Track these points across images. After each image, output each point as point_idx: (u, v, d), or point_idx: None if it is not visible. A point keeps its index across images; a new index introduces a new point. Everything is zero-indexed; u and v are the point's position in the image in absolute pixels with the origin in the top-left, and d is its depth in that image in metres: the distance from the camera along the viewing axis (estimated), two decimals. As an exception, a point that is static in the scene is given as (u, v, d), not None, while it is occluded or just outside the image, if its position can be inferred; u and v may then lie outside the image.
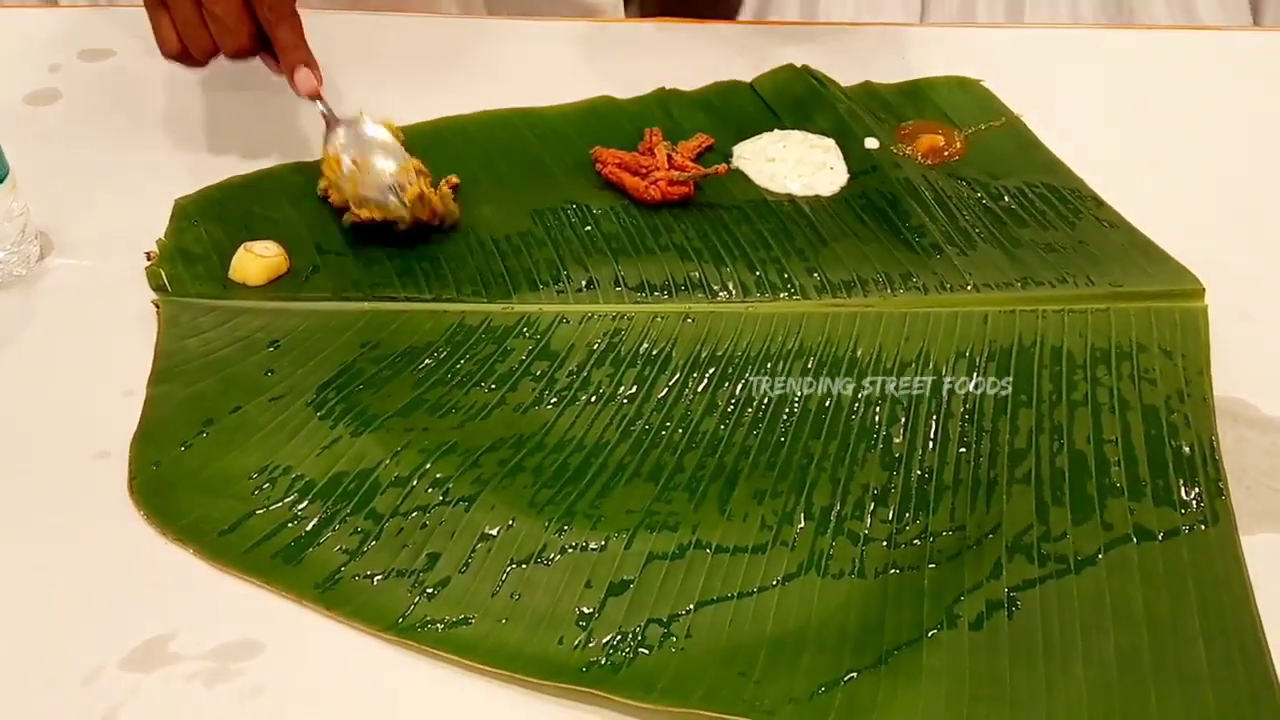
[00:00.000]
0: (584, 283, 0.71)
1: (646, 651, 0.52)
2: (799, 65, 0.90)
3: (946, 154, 0.82)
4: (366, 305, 0.69)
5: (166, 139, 0.83)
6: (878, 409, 0.63)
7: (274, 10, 0.72)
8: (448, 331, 0.68)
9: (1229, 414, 0.64)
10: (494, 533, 0.57)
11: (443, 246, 0.73)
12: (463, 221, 0.75)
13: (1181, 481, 0.59)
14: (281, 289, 0.70)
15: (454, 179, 0.77)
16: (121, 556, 0.56)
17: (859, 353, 0.67)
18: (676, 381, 0.65)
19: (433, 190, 0.73)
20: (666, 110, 0.86)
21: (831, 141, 0.82)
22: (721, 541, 0.57)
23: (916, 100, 0.87)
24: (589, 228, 0.75)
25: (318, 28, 0.95)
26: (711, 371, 0.66)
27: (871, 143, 0.82)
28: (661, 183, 0.76)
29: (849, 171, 0.80)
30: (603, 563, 0.56)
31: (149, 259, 0.71)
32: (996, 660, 0.52)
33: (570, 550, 0.56)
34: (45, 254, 0.73)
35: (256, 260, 0.70)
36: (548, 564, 0.56)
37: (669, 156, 0.78)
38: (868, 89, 0.88)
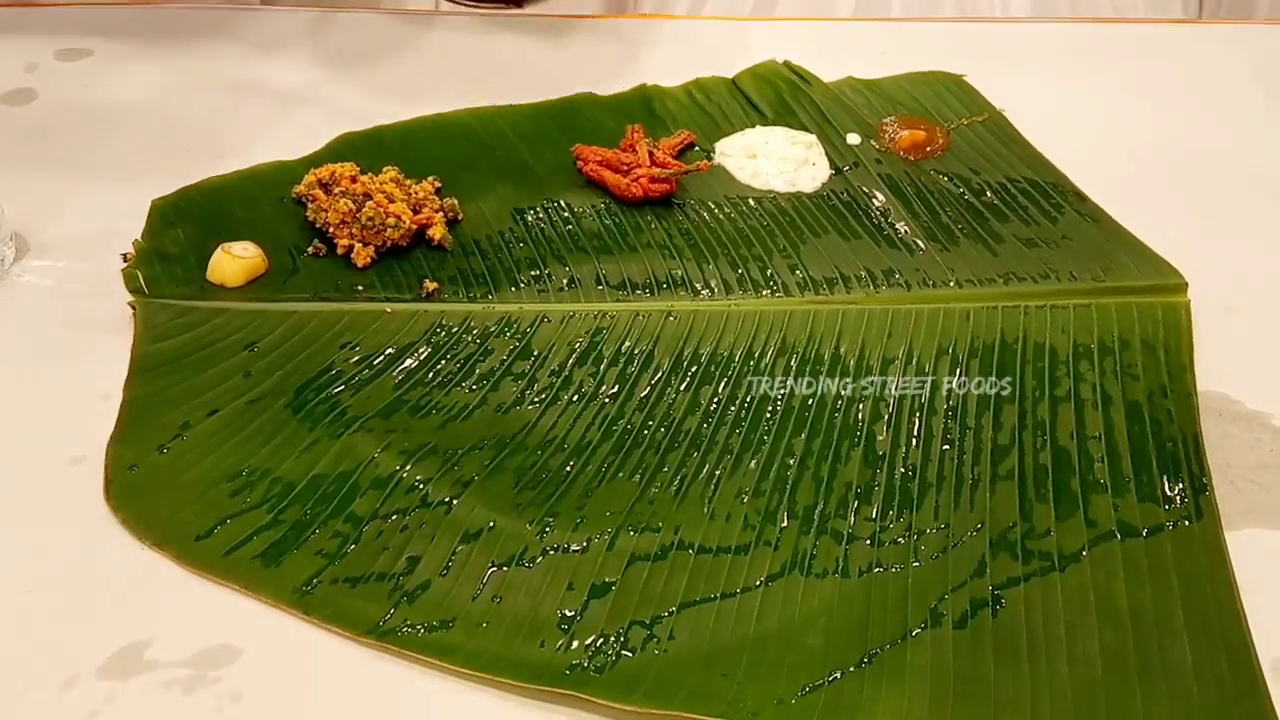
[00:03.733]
0: (565, 281, 0.71)
1: (629, 654, 0.52)
2: (780, 61, 0.89)
3: (929, 149, 0.82)
4: (346, 306, 0.69)
5: (143, 140, 0.82)
6: (861, 406, 0.63)
7: None
8: (428, 332, 0.67)
9: (1213, 409, 0.64)
10: (475, 535, 0.57)
11: (423, 246, 0.73)
12: (450, 237, 0.74)
13: (1165, 477, 0.59)
14: (260, 290, 0.70)
15: (436, 181, 0.76)
16: (97, 562, 0.56)
17: (842, 350, 0.66)
18: (659, 380, 0.65)
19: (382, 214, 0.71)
20: (648, 107, 0.85)
21: (813, 137, 0.82)
22: (704, 542, 0.57)
23: (898, 95, 0.87)
24: (570, 226, 0.74)
25: (293, 26, 0.95)
26: (694, 370, 0.65)
27: (854, 138, 0.82)
28: (643, 180, 0.76)
29: (831, 167, 0.80)
30: (585, 564, 0.56)
31: (125, 260, 0.70)
32: (981, 659, 0.52)
33: (552, 552, 0.56)
34: (21, 255, 0.72)
35: (234, 261, 0.70)
36: (529, 566, 0.55)
37: (650, 153, 0.78)
38: (850, 84, 0.88)
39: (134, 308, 0.68)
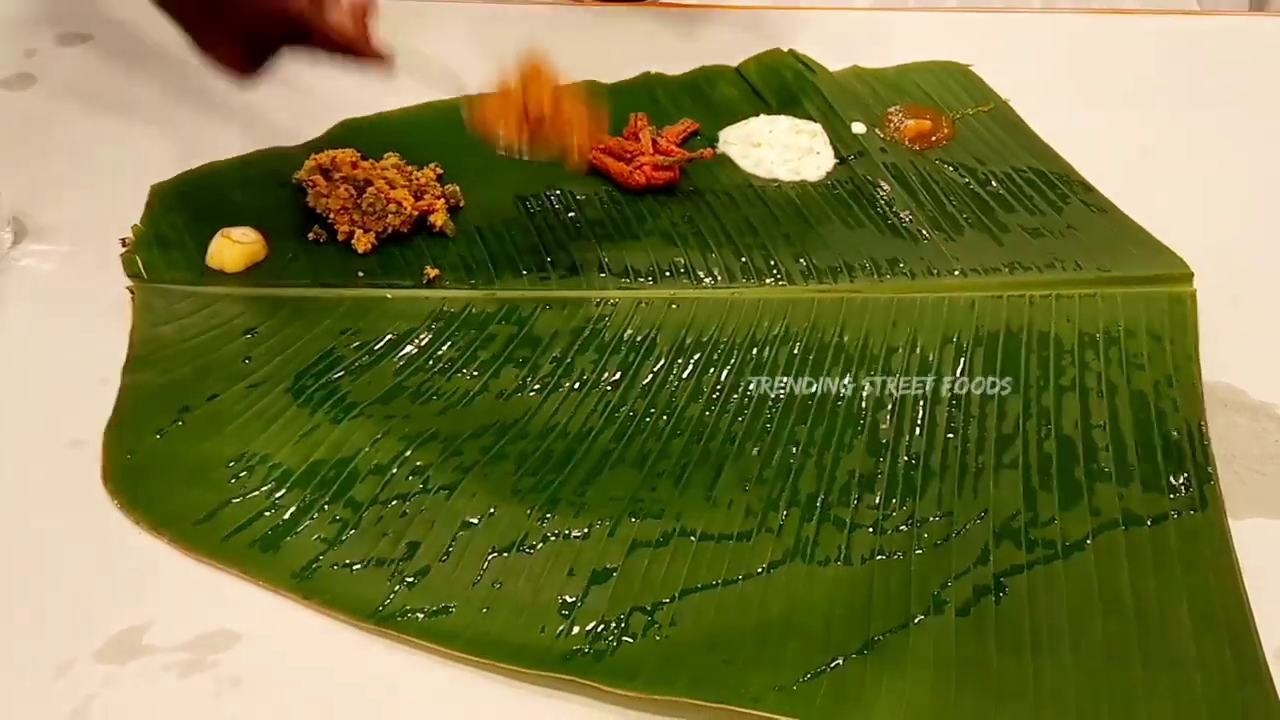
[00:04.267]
0: (567, 268, 0.70)
1: (630, 640, 0.52)
2: (786, 50, 0.89)
3: (934, 139, 0.81)
4: (346, 292, 0.68)
5: (143, 125, 0.82)
6: (864, 395, 0.63)
7: None
8: (429, 318, 0.67)
9: (1218, 399, 0.63)
10: (475, 521, 0.56)
11: (424, 233, 0.72)
12: (453, 225, 0.73)
13: (1170, 467, 0.59)
14: (260, 276, 0.69)
15: (437, 168, 0.76)
16: (95, 546, 0.55)
17: (845, 339, 0.66)
18: (661, 368, 0.64)
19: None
20: (651, 95, 0.85)
21: (818, 126, 0.81)
22: (706, 529, 0.56)
23: (904, 85, 0.86)
24: (573, 213, 0.74)
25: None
26: (697, 357, 0.65)
27: (859, 128, 0.81)
28: (646, 168, 0.75)
29: (836, 156, 0.79)
30: (586, 551, 0.55)
31: (124, 245, 0.70)
32: (984, 646, 0.51)
33: (553, 538, 0.56)
34: (19, 240, 0.72)
35: (234, 247, 0.69)
36: (530, 552, 0.55)
37: (654, 141, 0.77)
38: (855, 74, 0.87)
39: (133, 292, 0.68)
